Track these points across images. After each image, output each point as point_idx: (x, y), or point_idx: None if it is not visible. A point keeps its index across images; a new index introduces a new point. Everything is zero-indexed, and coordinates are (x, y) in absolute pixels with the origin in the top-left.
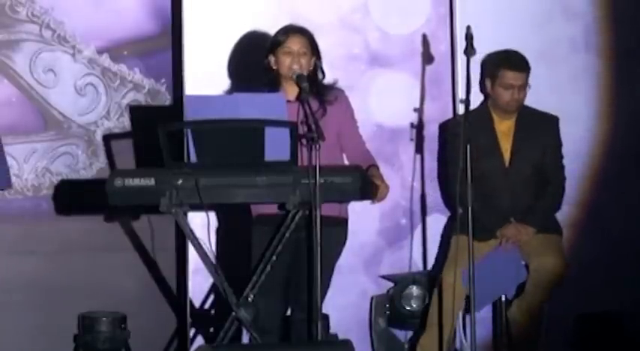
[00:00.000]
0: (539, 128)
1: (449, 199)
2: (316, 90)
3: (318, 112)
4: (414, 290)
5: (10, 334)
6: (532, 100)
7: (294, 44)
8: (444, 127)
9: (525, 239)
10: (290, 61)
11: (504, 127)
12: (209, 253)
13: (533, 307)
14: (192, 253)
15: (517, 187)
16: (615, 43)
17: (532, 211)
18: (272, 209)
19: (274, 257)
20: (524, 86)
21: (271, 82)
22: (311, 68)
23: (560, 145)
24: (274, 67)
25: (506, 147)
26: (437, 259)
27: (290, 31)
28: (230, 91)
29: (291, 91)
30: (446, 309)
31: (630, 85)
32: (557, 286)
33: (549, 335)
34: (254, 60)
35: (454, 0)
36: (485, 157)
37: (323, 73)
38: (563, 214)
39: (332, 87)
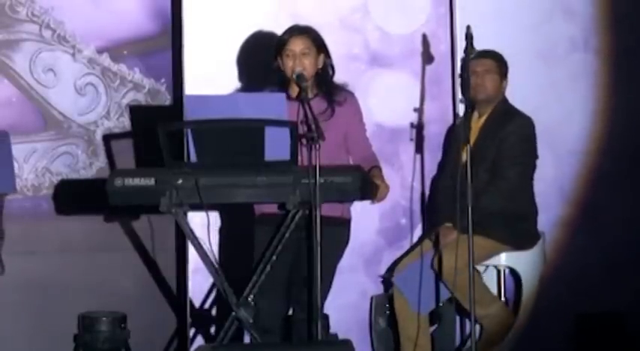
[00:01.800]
0: (501, 127)
1: (430, 210)
2: (326, 89)
3: (326, 112)
4: None
5: (10, 333)
6: (531, 99)
7: (296, 46)
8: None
9: (446, 241)
10: (292, 63)
11: (476, 127)
12: (209, 253)
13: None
14: (192, 252)
15: (466, 187)
16: (614, 43)
17: (463, 212)
18: (274, 209)
19: (274, 257)
20: (489, 72)
21: (281, 82)
22: (319, 66)
23: (521, 145)
24: (282, 69)
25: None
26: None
27: (291, 32)
28: (241, 92)
29: (298, 90)
30: (399, 309)
31: (628, 84)
32: (455, 287)
33: (551, 335)
34: (262, 60)
35: (454, 0)
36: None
37: (333, 70)
38: (561, 214)
39: (342, 89)
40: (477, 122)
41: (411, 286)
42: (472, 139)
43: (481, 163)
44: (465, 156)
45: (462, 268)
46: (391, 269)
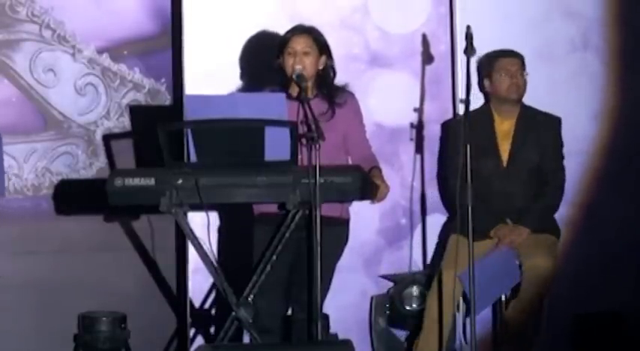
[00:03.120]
0: (540, 129)
1: (447, 199)
2: (326, 90)
3: (326, 113)
4: (414, 290)
5: (10, 333)
6: (531, 99)
7: (297, 44)
8: (445, 126)
9: (519, 240)
10: (293, 62)
11: (505, 128)
12: (209, 253)
13: (528, 306)
14: (192, 252)
15: (514, 188)
16: (614, 43)
17: (527, 212)
18: (274, 208)
19: (274, 257)
20: (520, 73)
21: (282, 82)
22: (320, 67)
23: (560, 145)
24: (283, 68)
25: (504, 148)
26: (433, 259)
27: (294, 31)
28: (241, 92)
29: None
30: (444, 308)
31: (629, 84)
32: (548, 286)
33: (549, 335)
34: (263, 60)
35: (454, 0)
36: (484, 158)
37: (334, 72)
38: (563, 214)
39: (343, 90)
40: (503, 124)
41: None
42: (507, 142)
43: (522, 164)
44: (499, 158)
45: (547, 266)
46: (430, 267)
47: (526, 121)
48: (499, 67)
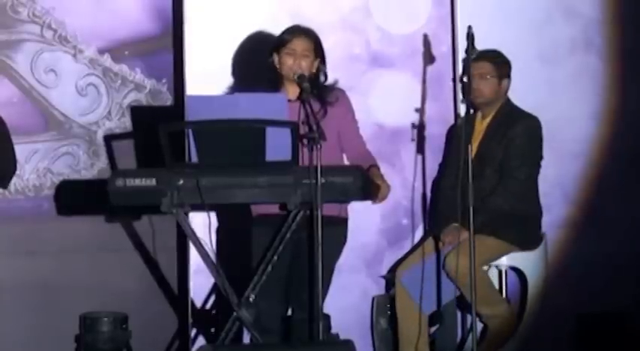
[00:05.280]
0: (508, 128)
1: (432, 211)
2: (317, 92)
3: (319, 113)
4: None
5: (10, 334)
6: (532, 100)
7: (298, 45)
8: (448, 131)
9: (455, 241)
10: (291, 62)
11: (480, 128)
12: (210, 253)
13: (478, 305)
14: (193, 253)
15: (474, 185)
16: (615, 44)
17: (473, 212)
18: (272, 209)
19: (275, 257)
20: (484, 76)
21: (273, 81)
22: (313, 70)
23: (529, 145)
24: (277, 66)
25: (473, 146)
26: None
27: (295, 31)
28: (231, 90)
29: (292, 90)
30: (401, 309)
31: (630, 85)
32: (466, 287)
33: (552, 335)
34: (258, 60)
35: (455, 0)
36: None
37: (325, 76)
38: (564, 215)
39: (333, 88)
40: (481, 123)
41: (416, 286)
42: (477, 140)
43: (488, 163)
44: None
45: (475, 268)
46: (393, 270)
47: (500, 121)
48: (472, 70)
